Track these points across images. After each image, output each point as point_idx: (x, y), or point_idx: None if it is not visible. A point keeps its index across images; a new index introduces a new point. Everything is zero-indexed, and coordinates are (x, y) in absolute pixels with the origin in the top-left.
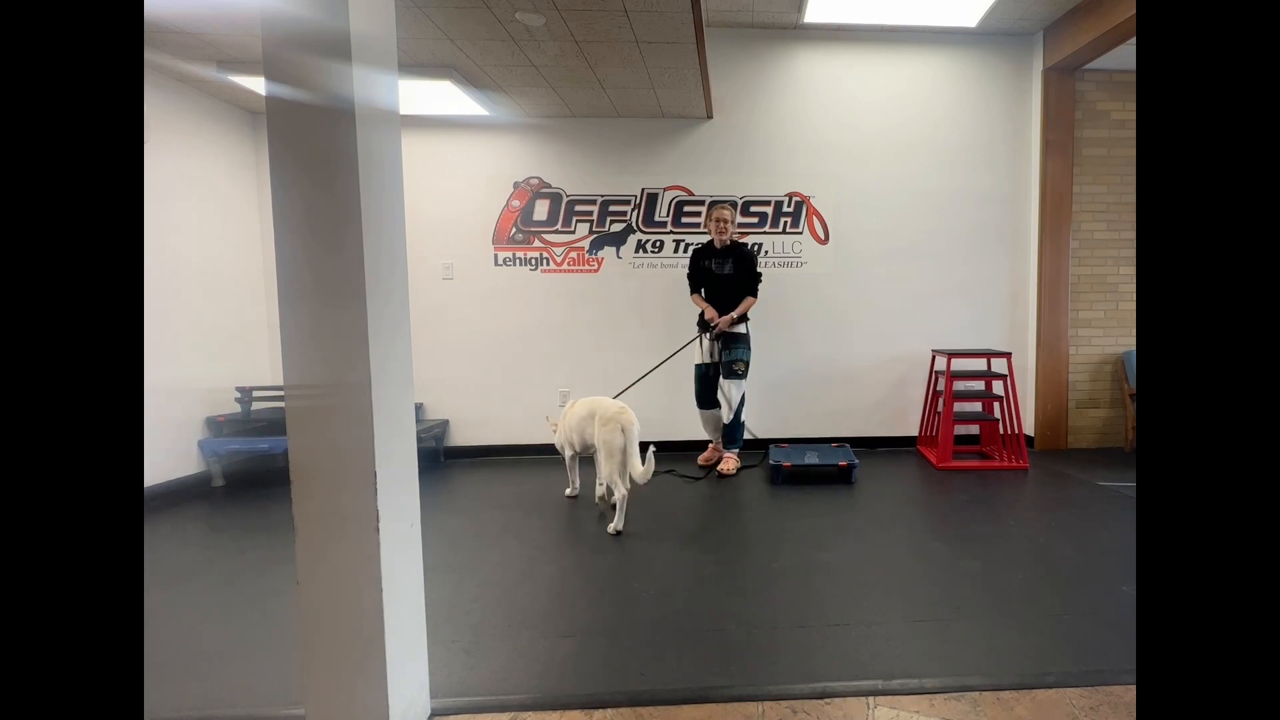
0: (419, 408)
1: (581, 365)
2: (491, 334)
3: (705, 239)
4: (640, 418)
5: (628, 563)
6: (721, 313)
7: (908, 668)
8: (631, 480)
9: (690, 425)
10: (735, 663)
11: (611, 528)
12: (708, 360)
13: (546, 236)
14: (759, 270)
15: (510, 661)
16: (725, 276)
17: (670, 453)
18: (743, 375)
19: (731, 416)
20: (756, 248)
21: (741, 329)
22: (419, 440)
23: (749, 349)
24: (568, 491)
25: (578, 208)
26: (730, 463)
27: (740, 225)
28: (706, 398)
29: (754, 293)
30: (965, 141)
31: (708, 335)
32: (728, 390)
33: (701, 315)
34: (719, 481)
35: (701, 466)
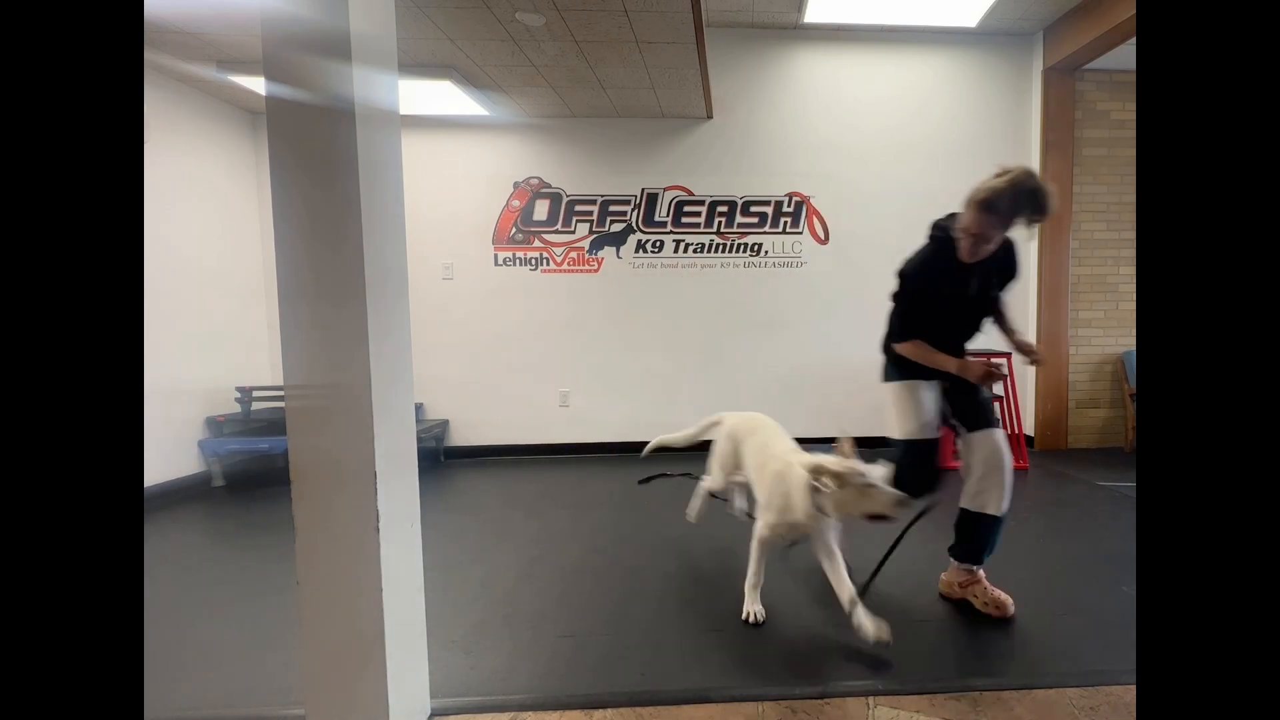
0: (419, 408)
1: (582, 365)
2: (491, 334)
3: (932, 242)
4: (642, 418)
5: (627, 563)
6: (956, 351)
7: (908, 668)
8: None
9: None
10: (735, 662)
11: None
12: (931, 434)
13: (546, 236)
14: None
15: (510, 661)
16: (975, 299)
17: (676, 452)
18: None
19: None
20: (756, 248)
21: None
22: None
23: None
24: None
25: (578, 208)
26: (998, 599)
27: (740, 225)
28: (930, 483)
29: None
30: (965, 142)
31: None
32: (999, 440)
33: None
34: None
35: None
